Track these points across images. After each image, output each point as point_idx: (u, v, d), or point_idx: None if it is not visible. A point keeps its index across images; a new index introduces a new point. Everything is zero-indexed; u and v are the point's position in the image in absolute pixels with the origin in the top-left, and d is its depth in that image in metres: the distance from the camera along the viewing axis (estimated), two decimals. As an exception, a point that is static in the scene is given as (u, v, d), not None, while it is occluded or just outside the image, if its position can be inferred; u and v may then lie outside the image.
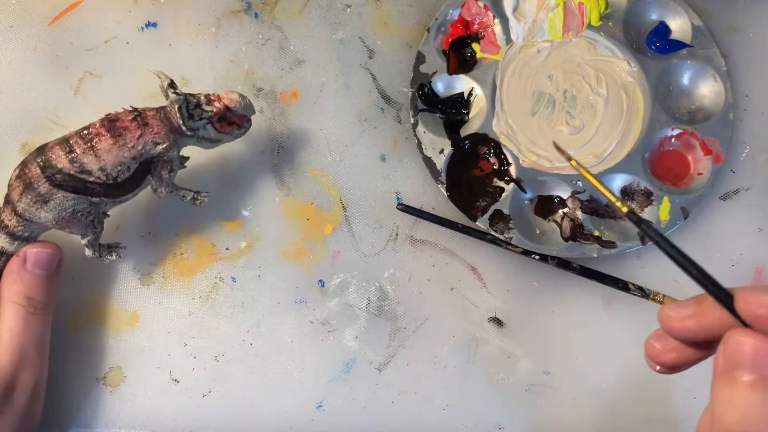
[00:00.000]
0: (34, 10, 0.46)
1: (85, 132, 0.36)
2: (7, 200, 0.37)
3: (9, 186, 0.37)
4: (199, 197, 0.41)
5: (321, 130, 0.46)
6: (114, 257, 0.41)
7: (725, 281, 0.43)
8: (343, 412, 0.43)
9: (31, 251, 0.38)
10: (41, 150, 0.37)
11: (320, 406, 0.43)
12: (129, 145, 0.37)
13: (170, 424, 0.42)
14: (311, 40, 0.47)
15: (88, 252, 0.39)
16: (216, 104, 0.38)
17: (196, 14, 0.47)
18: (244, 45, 0.46)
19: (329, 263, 0.44)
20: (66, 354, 0.42)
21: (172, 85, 0.37)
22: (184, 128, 0.37)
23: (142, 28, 0.46)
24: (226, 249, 0.44)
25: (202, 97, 0.38)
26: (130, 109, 0.37)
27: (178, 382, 0.43)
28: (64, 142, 0.36)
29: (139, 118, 0.37)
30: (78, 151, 0.36)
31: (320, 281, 0.44)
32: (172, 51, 0.46)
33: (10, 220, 0.37)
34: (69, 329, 0.43)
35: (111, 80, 0.46)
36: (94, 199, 0.37)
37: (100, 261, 0.40)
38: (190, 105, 0.38)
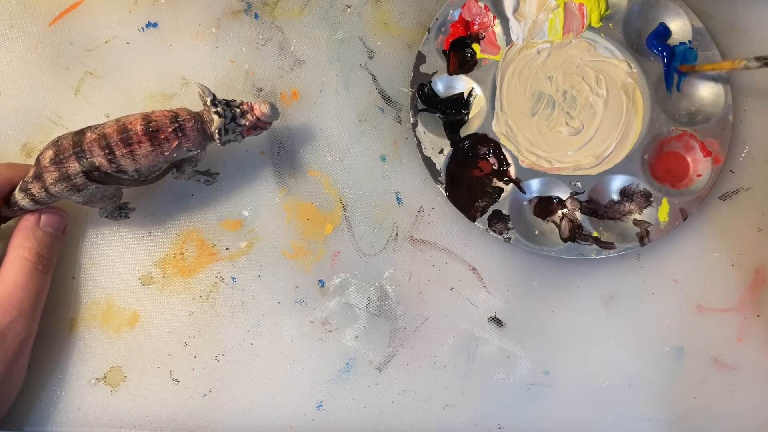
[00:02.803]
0: (34, 11, 0.46)
1: (125, 136, 0.37)
2: (38, 176, 0.38)
3: (40, 164, 0.38)
4: (212, 178, 0.44)
5: (321, 130, 0.46)
6: (124, 218, 0.43)
7: (725, 281, 0.44)
8: (343, 412, 0.43)
9: (46, 211, 0.41)
10: (79, 142, 0.37)
11: (320, 406, 0.43)
12: (165, 153, 0.38)
13: (170, 424, 0.42)
14: (311, 41, 0.47)
15: (101, 213, 0.42)
16: (249, 116, 0.40)
17: (197, 14, 0.47)
18: (244, 45, 0.46)
19: (329, 263, 0.44)
20: (66, 354, 0.42)
21: (214, 102, 0.39)
22: (219, 143, 0.39)
23: (143, 28, 0.46)
24: (226, 249, 0.44)
25: (237, 110, 0.40)
26: (168, 114, 0.38)
27: (178, 382, 0.43)
28: (103, 138, 0.37)
29: (179, 130, 0.38)
30: (117, 153, 0.37)
31: (320, 281, 0.44)
32: (173, 51, 0.46)
33: (39, 192, 0.38)
34: (69, 329, 0.43)
35: (111, 80, 0.46)
36: (122, 187, 0.40)
37: (112, 220, 0.43)
38: (226, 120, 0.39)
